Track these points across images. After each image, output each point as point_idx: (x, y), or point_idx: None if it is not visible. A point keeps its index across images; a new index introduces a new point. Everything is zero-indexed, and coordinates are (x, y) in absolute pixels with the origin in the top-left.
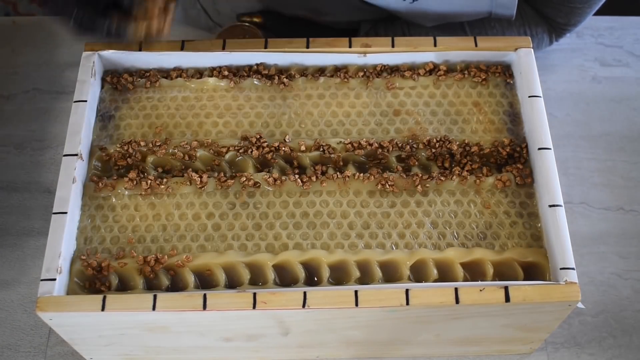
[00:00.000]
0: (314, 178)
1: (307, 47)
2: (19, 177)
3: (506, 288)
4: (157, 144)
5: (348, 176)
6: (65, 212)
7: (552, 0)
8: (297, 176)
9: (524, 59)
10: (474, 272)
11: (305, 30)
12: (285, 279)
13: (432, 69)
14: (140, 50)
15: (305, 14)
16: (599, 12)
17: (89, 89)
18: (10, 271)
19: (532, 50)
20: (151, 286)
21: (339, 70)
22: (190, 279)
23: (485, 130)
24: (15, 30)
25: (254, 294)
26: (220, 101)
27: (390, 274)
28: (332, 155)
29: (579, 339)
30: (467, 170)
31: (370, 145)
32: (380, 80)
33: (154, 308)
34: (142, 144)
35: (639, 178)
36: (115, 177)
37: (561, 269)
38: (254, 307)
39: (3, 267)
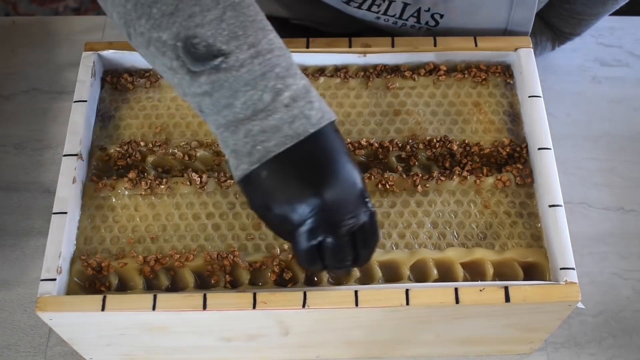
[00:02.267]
0: None
1: (307, 47)
2: (19, 177)
3: (506, 288)
4: (157, 144)
5: None
6: (65, 212)
7: (561, 12)
8: None
9: (524, 59)
10: (474, 272)
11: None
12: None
13: (432, 69)
14: None
15: (310, 25)
16: None
17: (89, 89)
18: (10, 271)
19: (532, 50)
20: (151, 286)
21: (339, 70)
22: (190, 279)
23: (485, 130)
24: (15, 30)
25: (254, 294)
26: None
27: (390, 274)
28: None
29: (579, 339)
30: (467, 170)
31: (371, 145)
32: (380, 80)
33: (154, 308)
34: (142, 144)
35: (639, 178)
36: (115, 177)
37: (561, 269)
38: (254, 307)
39: (3, 267)
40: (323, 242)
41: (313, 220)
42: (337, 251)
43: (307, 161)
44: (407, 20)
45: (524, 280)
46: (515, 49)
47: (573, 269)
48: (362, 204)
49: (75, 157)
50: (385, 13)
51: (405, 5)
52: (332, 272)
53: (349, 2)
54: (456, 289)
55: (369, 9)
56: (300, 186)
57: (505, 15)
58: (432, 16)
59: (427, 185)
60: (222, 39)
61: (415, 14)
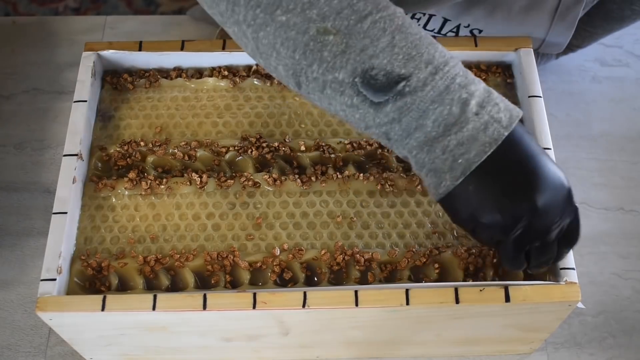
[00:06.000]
0: (313, 178)
1: None
2: (19, 177)
3: (506, 288)
4: (157, 144)
5: (348, 176)
6: (65, 212)
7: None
8: (297, 176)
9: (524, 59)
10: (473, 272)
11: None
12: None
13: None
14: (140, 50)
15: None
16: None
17: (89, 89)
18: (10, 271)
19: (532, 50)
20: (151, 286)
21: None
22: (190, 279)
23: None
24: (15, 30)
25: (254, 294)
26: (220, 101)
27: (390, 274)
28: (332, 155)
29: (579, 339)
30: None
31: (370, 145)
32: None
33: (154, 308)
34: (142, 144)
35: (639, 178)
36: (115, 177)
37: (561, 269)
38: (254, 307)
39: (3, 267)
40: (533, 250)
41: (523, 226)
42: (543, 254)
43: (511, 166)
44: (445, 35)
45: (524, 280)
46: (515, 49)
47: (573, 269)
48: (569, 204)
49: (75, 157)
50: (424, 27)
51: (446, 20)
52: (530, 269)
53: None
54: (456, 289)
55: None
56: (510, 194)
57: (544, 30)
58: (471, 32)
59: None
60: (399, 64)
61: (455, 30)
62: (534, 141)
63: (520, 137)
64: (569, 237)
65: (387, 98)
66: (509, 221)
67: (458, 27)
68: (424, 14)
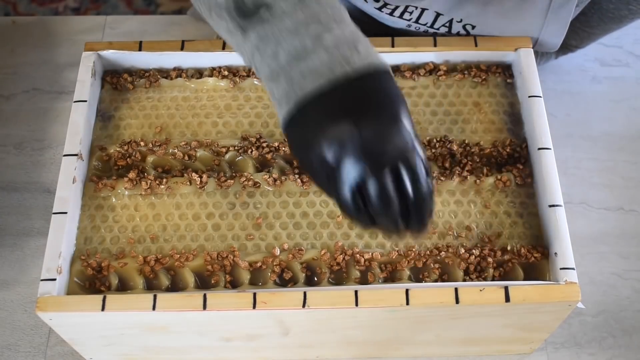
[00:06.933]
0: None
1: None
2: (19, 177)
3: (506, 288)
4: (157, 144)
5: None
6: (65, 212)
7: (575, 23)
8: (297, 176)
9: (524, 59)
10: (473, 272)
11: None
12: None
13: (432, 69)
14: (140, 50)
15: None
16: None
17: (89, 89)
18: (10, 271)
19: (532, 50)
20: (151, 286)
21: None
22: (190, 279)
23: (485, 130)
24: (15, 30)
25: (254, 294)
26: (220, 101)
27: (390, 274)
28: None
29: (579, 339)
30: (467, 170)
31: None
32: None
33: (154, 308)
34: (142, 144)
35: (639, 178)
36: (115, 177)
37: (561, 269)
38: (254, 307)
39: (3, 267)
40: (366, 189)
41: (350, 156)
42: (380, 193)
43: (347, 100)
44: (438, 29)
45: (524, 280)
46: (515, 49)
47: (573, 269)
48: (405, 142)
49: (75, 157)
50: (416, 21)
51: (438, 15)
52: (384, 232)
53: (381, 8)
54: (456, 289)
55: (400, 16)
56: (336, 121)
57: (538, 28)
58: (464, 27)
59: None
60: None
61: (447, 24)
62: (391, 88)
63: (372, 81)
64: (416, 189)
65: (252, 24)
66: (333, 147)
67: (451, 21)
68: (416, 8)
